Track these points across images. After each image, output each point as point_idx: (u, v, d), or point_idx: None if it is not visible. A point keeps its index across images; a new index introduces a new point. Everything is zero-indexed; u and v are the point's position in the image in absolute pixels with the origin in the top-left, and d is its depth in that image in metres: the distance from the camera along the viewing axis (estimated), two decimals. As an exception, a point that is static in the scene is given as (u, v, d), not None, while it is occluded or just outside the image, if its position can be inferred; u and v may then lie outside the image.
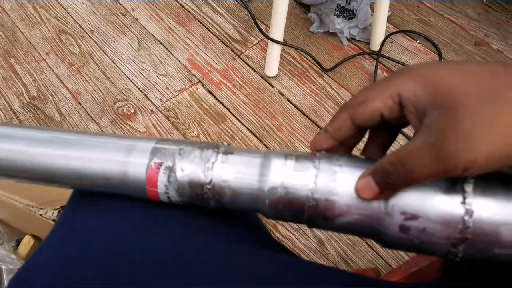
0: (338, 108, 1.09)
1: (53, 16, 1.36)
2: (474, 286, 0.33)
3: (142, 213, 0.34)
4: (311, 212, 0.28)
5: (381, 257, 0.91)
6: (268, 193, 0.29)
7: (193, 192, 0.31)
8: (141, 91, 1.19)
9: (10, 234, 0.65)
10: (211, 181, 0.30)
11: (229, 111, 1.13)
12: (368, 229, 0.28)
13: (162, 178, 0.31)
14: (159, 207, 0.33)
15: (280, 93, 1.16)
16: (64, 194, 0.68)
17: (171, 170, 0.30)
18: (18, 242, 0.65)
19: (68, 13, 1.37)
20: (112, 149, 0.32)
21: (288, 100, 1.15)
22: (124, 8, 1.37)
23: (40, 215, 0.57)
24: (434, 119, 0.23)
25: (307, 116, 1.12)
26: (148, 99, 1.17)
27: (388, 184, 0.25)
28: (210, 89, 1.18)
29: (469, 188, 0.25)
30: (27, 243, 0.63)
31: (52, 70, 1.24)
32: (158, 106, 1.15)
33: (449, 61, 0.25)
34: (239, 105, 1.14)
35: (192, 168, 0.30)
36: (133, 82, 1.21)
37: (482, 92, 0.22)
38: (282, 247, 0.43)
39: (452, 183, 0.25)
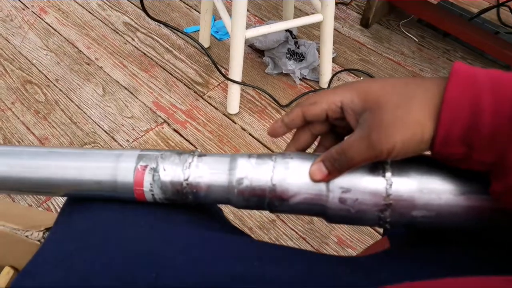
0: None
1: (18, 67, 1.41)
2: (411, 250, 0.40)
3: (128, 211, 0.39)
4: (271, 196, 0.35)
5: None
6: (236, 184, 0.35)
7: (174, 189, 0.37)
8: (107, 133, 1.24)
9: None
10: (188, 177, 0.36)
11: (195, 147, 1.20)
12: (316, 206, 0.35)
13: (147, 178, 0.37)
14: (143, 205, 0.39)
15: (242, 128, 1.25)
16: (48, 219, 0.71)
17: (155, 170, 0.37)
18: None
19: (32, 64, 1.42)
20: (103, 158, 0.38)
21: (250, 135, 1.23)
22: (88, 57, 1.43)
23: (26, 236, 0.60)
24: (365, 118, 0.32)
25: (268, 148, 1.20)
26: (115, 140, 1.22)
27: (335, 168, 0.33)
28: (175, 128, 1.25)
29: (387, 166, 0.34)
30: (6, 274, 0.64)
31: (18, 118, 1.27)
32: (125, 147, 1.20)
33: (378, 78, 0.35)
34: (204, 141, 1.21)
35: (172, 168, 0.37)
36: (99, 125, 1.25)
37: (398, 98, 0.31)
38: (241, 231, 0.50)
39: (375, 164, 0.34)
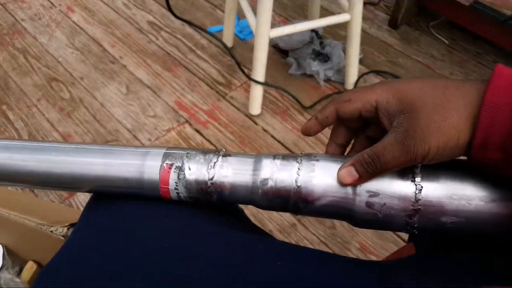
0: (319, 143, 1.15)
1: (44, 65, 1.43)
2: (439, 257, 0.38)
3: (153, 208, 0.39)
4: (296, 198, 0.34)
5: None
6: (261, 184, 0.35)
7: (199, 188, 0.36)
8: (130, 131, 1.24)
9: (14, 260, 0.67)
10: (213, 177, 0.36)
11: (216, 147, 1.19)
12: (341, 210, 0.34)
13: (173, 176, 0.37)
14: (167, 203, 0.39)
15: (264, 130, 1.23)
16: (72, 215, 0.71)
17: (180, 169, 0.37)
18: (21, 269, 0.67)
19: (58, 62, 1.43)
20: (130, 155, 0.38)
21: (272, 136, 1.22)
22: (113, 56, 1.44)
23: (51, 231, 0.60)
24: (401, 121, 0.31)
25: (290, 150, 1.18)
26: (137, 138, 1.22)
27: (366, 172, 0.32)
28: (197, 128, 1.24)
29: (417, 170, 0.33)
30: (30, 268, 0.65)
31: (43, 115, 1.29)
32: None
33: (416, 77, 0.33)
34: (225, 142, 1.20)
35: (197, 167, 0.37)
36: (122, 124, 1.26)
37: (436, 101, 0.30)
38: (263, 230, 0.50)
39: (405, 168, 0.33)
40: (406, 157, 0.30)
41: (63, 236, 0.60)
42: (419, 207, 0.31)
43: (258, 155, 0.37)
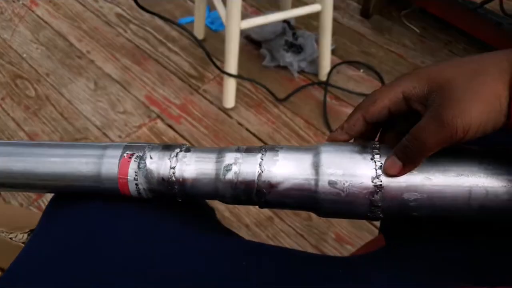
0: (293, 135, 1.14)
1: (7, 61, 1.37)
2: (407, 249, 0.38)
3: (114, 210, 0.37)
4: (260, 183, 0.34)
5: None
6: (224, 171, 0.34)
7: (159, 178, 0.35)
8: (99, 129, 1.20)
9: (-27, 267, 0.64)
10: (175, 166, 0.35)
11: (189, 143, 1.16)
12: (306, 192, 0.33)
13: (133, 166, 0.35)
14: (129, 206, 0.37)
15: (239, 123, 1.21)
16: (34, 220, 0.67)
17: (141, 158, 0.35)
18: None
19: (23, 58, 1.38)
20: (89, 148, 0.37)
21: (247, 129, 1.20)
22: (80, 51, 1.39)
23: (10, 238, 0.57)
24: (433, 99, 0.29)
25: (265, 143, 1.16)
26: (107, 136, 1.18)
27: (408, 157, 0.30)
28: (169, 123, 1.21)
29: (376, 146, 0.33)
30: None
31: (8, 114, 1.24)
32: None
33: (442, 61, 0.31)
34: (199, 137, 1.18)
35: (159, 156, 0.35)
36: (90, 121, 1.22)
37: (469, 72, 0.28)
38: (232, 232, 0.49)
39: (364, 147, 0.33)
40: (446, 132, 0.28)
41: (23, 242, 0.57)
42: (380, 183, 0.31)
43: (222, 148, 0.36)
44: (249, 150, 0.35)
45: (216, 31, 1.45)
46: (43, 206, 1.06)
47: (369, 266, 0.37)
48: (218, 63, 1.34)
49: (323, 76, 1.31)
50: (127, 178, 0.35)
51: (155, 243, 0.35)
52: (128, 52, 1.39)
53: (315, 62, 1.34)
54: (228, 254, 0.36)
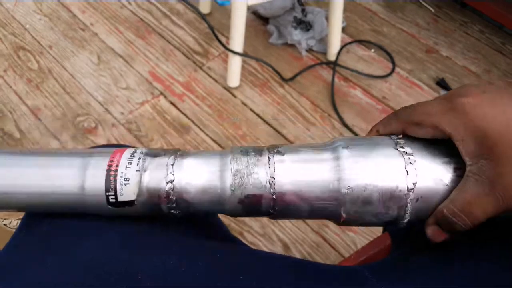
0: (299, 117, 1.10)
1: (10, 32, 1.34)
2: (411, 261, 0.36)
3: (98, 227, 0.34)
4: (269, 195, 0.30)
5: (344, 257, 0.93)
6: (234, 182, 0.31)
7: (155, 195, 0.31)
8: (101, 105, 1.18)
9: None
10: (173, 180, 0.31)
11: (192, 122, 1.14)
12: (329, 202, 0.30)
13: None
14: (117, 221, 0.34)
15: (243, 103, 1.19)
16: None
17: (126, 174, 0.31)
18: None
19: (26, 29, 1.35)
20: (72, 156, 0.33)
21: (251, 110, 1.17)
22: (83, 23, 1.36)
23: (5, 225, 0.57)
24: (482, 169, 0.27)
25: (269, 125, 1.14)
26: (109, 112, 1.17)
27: (455, 230, 0.29)
28: (172, 101, 1.19)
29: (405, 149, 0.31)
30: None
31: (11, 87, 1.22)
32: (119, 120, 1.15)
33: (498, 94, 0.28)
34: (202, 116, 1.15)
35: (153, 168, 0.31)
36: (93, 96, 1.20)
37: None
38: (228, 235, 0.46)
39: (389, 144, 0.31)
40: (499, 208, 0.27)
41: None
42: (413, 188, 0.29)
43: (224, 151, 0.32)
44: (255, 152, 0.32)
45: (223, 5, 1.40)
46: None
47: (376, 277, 0.35)
48: (223, 39, 1.30)
49: (332, 56, 1.27)
50: (117, 195, 0.31)
51: (136, 255, 0.33)
52: (131, 25, 1.35)
53: (324, 40, 1.30)
54: (224, 266, 0.34)
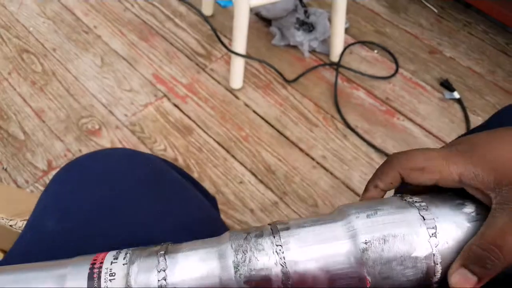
0: (302, 118, 1.10)
1: (14, 35, 1.35)
2: None
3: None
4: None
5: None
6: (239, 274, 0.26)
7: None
8: (105, 107, 1.18)
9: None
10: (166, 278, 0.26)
11: (195, 123, 1.15)
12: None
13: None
14: None
15: (246, 105, 1.19)
16: (32, 207, 0.67)
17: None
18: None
19: (29, 32, 1.36)
20: (47, 269, 0.27)
21: (254, 111, 1.17)
22: (87, 25, 1.37)
23: (10, 225, 0.57)
24: (507, 197, 0.25)
25: (272, 126, 1.14)
26: (113, 114, 1.17)
27: (486, 269, 0.25)
28: (175, 103, 1.19)
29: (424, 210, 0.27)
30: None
31: (15, 89, 1.23)
32: (123, 121, 1.15)
33: (501, 134, 0.27)
34: (205, 118, 1.16)
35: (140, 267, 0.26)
36: (96, 99, 1.20)
37: None
38: None
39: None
40: None
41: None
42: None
43: (218, 242, 0.28)
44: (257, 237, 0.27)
45: (225, 7, 1.41)
46: (48, 184, 1.06)
47: None
48: (226, 41, 1.30)
49: (335, 57, 1.27)
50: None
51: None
52: (135, 28, 1.36)
53: (327, 41, 1.30)
54: None
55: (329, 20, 1.27)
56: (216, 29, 1.24)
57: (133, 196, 0.32)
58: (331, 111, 1.17)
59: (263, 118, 1.16)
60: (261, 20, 1.37)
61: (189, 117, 1.16)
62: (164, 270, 0.25)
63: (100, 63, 1.28)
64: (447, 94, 1.21)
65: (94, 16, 1.39)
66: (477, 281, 0.25)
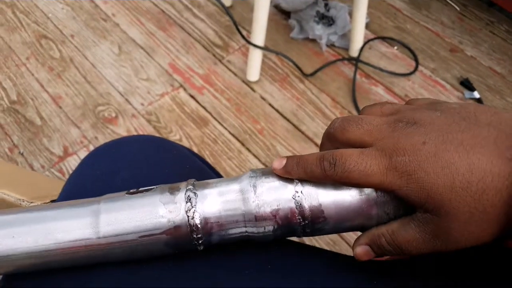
0: (318, 113, 1.09)
1: (33, 21, 1.35)
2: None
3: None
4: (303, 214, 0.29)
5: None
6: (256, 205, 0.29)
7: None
8: (122, 95, 1.19)
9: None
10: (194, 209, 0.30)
11: (211, 115, 1.14)
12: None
13: None
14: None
15: (262, 98, 1.18)
16: (54, 188, 0.67)
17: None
18: None
19: (48, 18, 1.36)
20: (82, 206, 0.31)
21: (270, 105, 1.17)
22: (105, 13, 1.37)
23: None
24: (426, 220, 0.27)
25: (288, 120, 1.14)
26: (129, 103, 1.17)
27: (384, 254, 0.30)
28: (192, 94, 1.19)
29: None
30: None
31: (33, 75, 1.23)
32: (139, 110, 1.15)
33: (440, 140, 0.26)
34: (221, 110, 1.15)
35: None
36: (113, 86, 1.20)
37: (469, 210, 0.25)
38: None
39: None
40: (434, 252, 0.28)
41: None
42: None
43: (239, 177, 0.31)
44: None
45: (245, -2, 1.40)
46: (65, 170, 1.06)
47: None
48: (244, 32, 1.29)
49: (354, 52, 1.26)
50: None
51: None
52: (153, 17, 1.35)
53: (346, 36, 1.28)
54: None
55: (350, 14, 1.25)
56: (235, 20, 1.23)
57: (164, 181, 0.32)
58: (349, 106, 1.16)
59: (279, 112, 1.15)
60: (280, 12, 1.36)
61: (205, 108, 1.15)
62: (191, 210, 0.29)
63: (117, 51, 1.27)
64: (467, 94, 1.19)
65: (113, 4, 1.38)
66: (375, 256, 0.30)
